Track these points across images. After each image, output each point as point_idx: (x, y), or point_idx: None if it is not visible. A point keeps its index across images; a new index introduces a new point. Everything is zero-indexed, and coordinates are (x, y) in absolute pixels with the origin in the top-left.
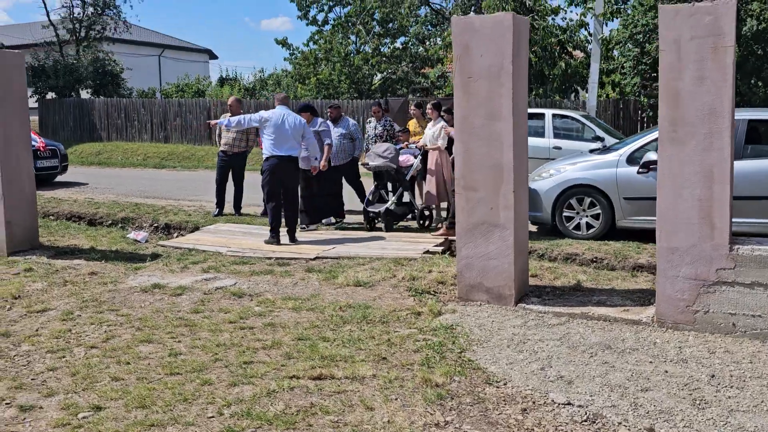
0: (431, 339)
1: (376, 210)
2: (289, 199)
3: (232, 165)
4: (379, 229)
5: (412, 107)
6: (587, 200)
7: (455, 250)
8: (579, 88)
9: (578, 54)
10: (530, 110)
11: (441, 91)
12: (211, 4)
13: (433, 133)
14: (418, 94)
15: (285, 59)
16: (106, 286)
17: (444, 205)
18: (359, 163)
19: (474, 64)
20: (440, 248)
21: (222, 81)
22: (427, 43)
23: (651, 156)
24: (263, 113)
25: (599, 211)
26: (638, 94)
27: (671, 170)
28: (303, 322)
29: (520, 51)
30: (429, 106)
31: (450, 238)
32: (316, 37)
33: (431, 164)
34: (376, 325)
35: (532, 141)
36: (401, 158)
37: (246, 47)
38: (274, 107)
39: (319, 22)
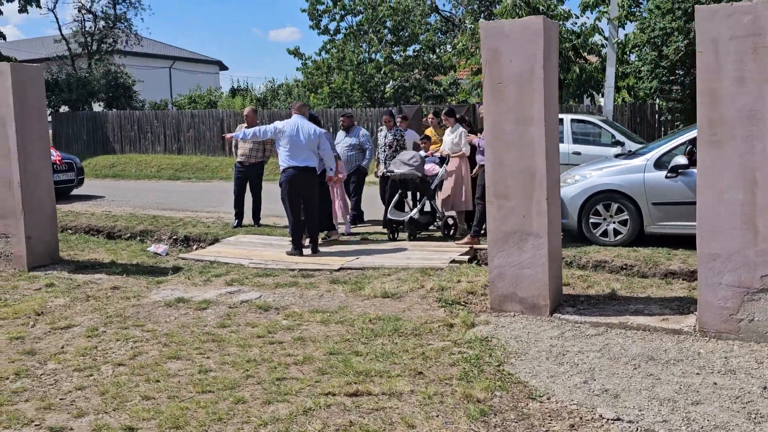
0: (467, 352)
1: (400, 219)
2: (309, 211)
3: (249, 176)
4: (402, 239)
5: (430, 115)
6: (614, 206)
7: (481, 258)
8: (594, 92)
9: (592, 59)
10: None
11: (453, 97)
12: (220, 16)
13: (452, 140)
14: (431, 102)
15: (297, 69)
16: (130, 300)
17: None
18: (375, 173)
19: (504, 69)
20: (466, 257)
21: (234, 92)
22: (438, 50)
23: (679, 160)
24: (278, 124)
25: (627, 217)
26: (656, 97)
27: (711, 174)
28: (333, 336)
29: (550, 55)
30: (443, 113)
31: (475, 246)
32: (329, 46)
33: (451, 170)
34: (409, 337)
35: None
36: (426, 167)
37: (255, 58)
38: (289, 116)
39: (331, 32)
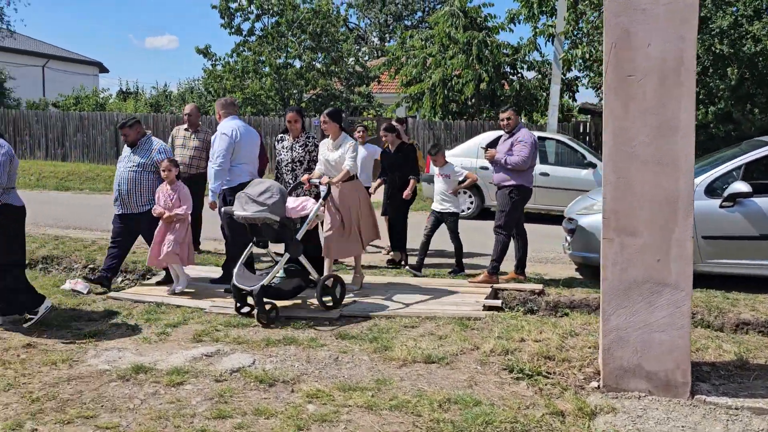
0: None
1: (248, 287)
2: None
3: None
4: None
5: (382, 132)
6: None
7: (506, 301)
8: (533, 110)
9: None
10: (502, 132)
11: (367, 110)
12: (95, 19)
13: (340, 156)
14: (345, 114)
15: (204, 70)
16: (59, 368)
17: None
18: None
19: (638, 56)
20: (498, 302)
21: (124, 94)
22: (341, 63)
23: (739, 186)
24: (228, 130)
25: None
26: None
27: None
28: None
29: (695, 40)
30: (324, 117)
31: (495, 286)
32: (241, 48)
33: (347, 200)
34: None
35: None
36: (292, 204)
37: (133, 63)
38: (186, 122)
39: (245, 33)
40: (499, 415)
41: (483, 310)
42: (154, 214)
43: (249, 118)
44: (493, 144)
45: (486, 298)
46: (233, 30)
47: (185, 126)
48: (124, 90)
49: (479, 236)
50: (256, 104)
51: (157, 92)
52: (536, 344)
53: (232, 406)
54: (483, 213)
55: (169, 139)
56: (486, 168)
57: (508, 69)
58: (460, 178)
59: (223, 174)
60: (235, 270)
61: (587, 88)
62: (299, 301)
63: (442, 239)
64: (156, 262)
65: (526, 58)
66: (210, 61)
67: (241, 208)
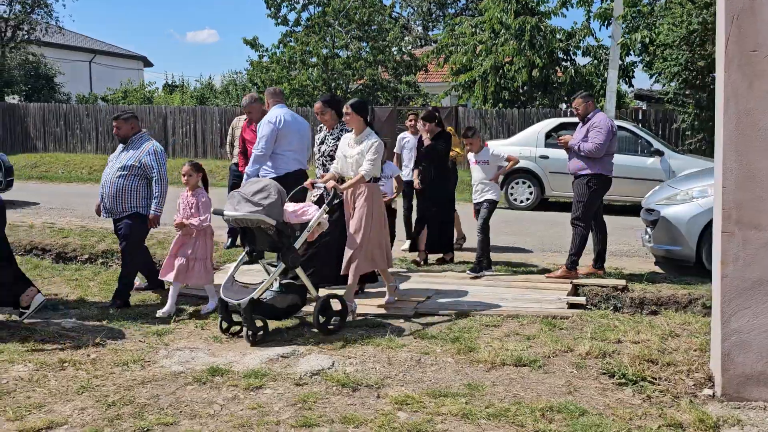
0: None
1: (235, 300)
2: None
3: None
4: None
5: (420, 121)
6: None
7: (589, 298)
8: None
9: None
10: (564, 120)
11: (414, 100)
12: (137, 13)
13: (360, 153)
14: (391, 103)
15: (251, 62)
16: (131, 369)
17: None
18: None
19: (764, 29)
20: (581, 299)
21: (170, 88)
22: (388, 52)
23: None
24: (273, 117)
25: None
26: (681, 103)
27: None
28: None
29: None
30: (346, 108)
31: (575, 281)
32: (288, 38)
33: (362, 205)
34: None
35: None
36: (291, 208)
37: (175, 58)
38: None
39: (290, 23)
40: (610, 427)
41: (569, 307)
42: (174, 225)
43: (296, 109)
44: (557, 130)
45: (567, 295)
46: (280, 20)
47: (245, 117)
48: (170, 83)
49: (540, 228)
50: (303, 95)
51: (201, 85)
52: (635, 346)
53: (317, 412)
54: (542, 204)
55: (230, 130)
56: (546, 157)
57: (561, 55)
58: (503, 163)
59: (263, 159)
60: (223, 282)
61: (649, 75)
62: (297, 321)
63: (502, 232)
64: (164, 274)
65: (581, 43)
66: (257, 53)
67: (233, 208)
